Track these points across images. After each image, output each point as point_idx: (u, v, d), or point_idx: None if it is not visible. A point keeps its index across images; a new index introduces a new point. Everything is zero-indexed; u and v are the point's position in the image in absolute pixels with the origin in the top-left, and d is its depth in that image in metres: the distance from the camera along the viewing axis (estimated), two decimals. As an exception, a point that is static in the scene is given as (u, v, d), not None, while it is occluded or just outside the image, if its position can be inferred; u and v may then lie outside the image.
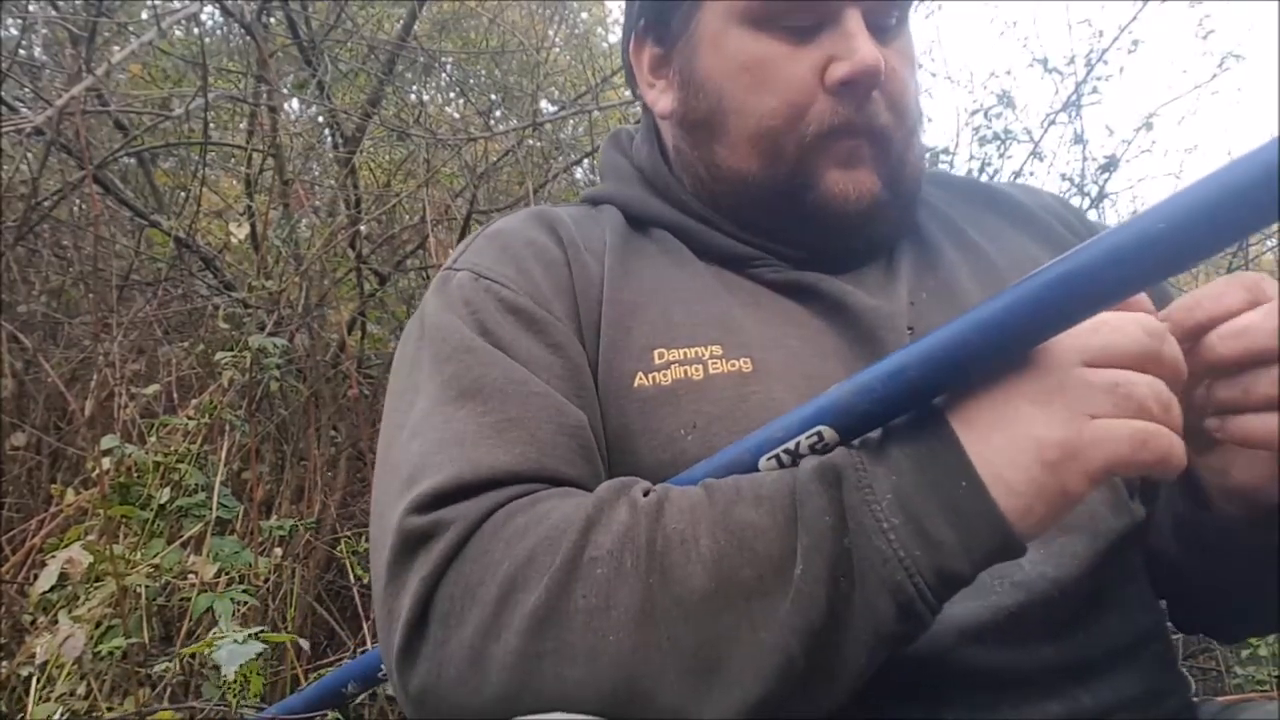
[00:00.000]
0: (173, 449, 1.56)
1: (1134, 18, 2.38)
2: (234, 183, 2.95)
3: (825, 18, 0.63)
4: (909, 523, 0.43)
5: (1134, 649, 0.58)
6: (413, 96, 3.27)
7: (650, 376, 0.60)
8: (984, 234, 0.73)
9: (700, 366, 0.60)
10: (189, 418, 1.64)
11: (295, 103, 2.87)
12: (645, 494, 0.50)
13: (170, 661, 1.27)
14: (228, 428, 1.68)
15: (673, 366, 0.60)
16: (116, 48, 2.31)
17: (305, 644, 1.42)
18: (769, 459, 0.50)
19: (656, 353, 0.61)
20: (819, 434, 0.48)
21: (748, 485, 0.48)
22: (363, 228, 2.47)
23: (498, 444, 0.53)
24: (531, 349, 0.59)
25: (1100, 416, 0.42)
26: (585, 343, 0.62)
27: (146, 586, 1.35)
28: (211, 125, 2.46)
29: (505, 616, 0.45)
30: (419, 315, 0.66)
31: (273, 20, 2.50)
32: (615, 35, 4.26)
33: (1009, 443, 0.43)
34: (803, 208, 0.65)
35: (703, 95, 0.68)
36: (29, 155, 2.12)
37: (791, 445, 0.49)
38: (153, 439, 1.61)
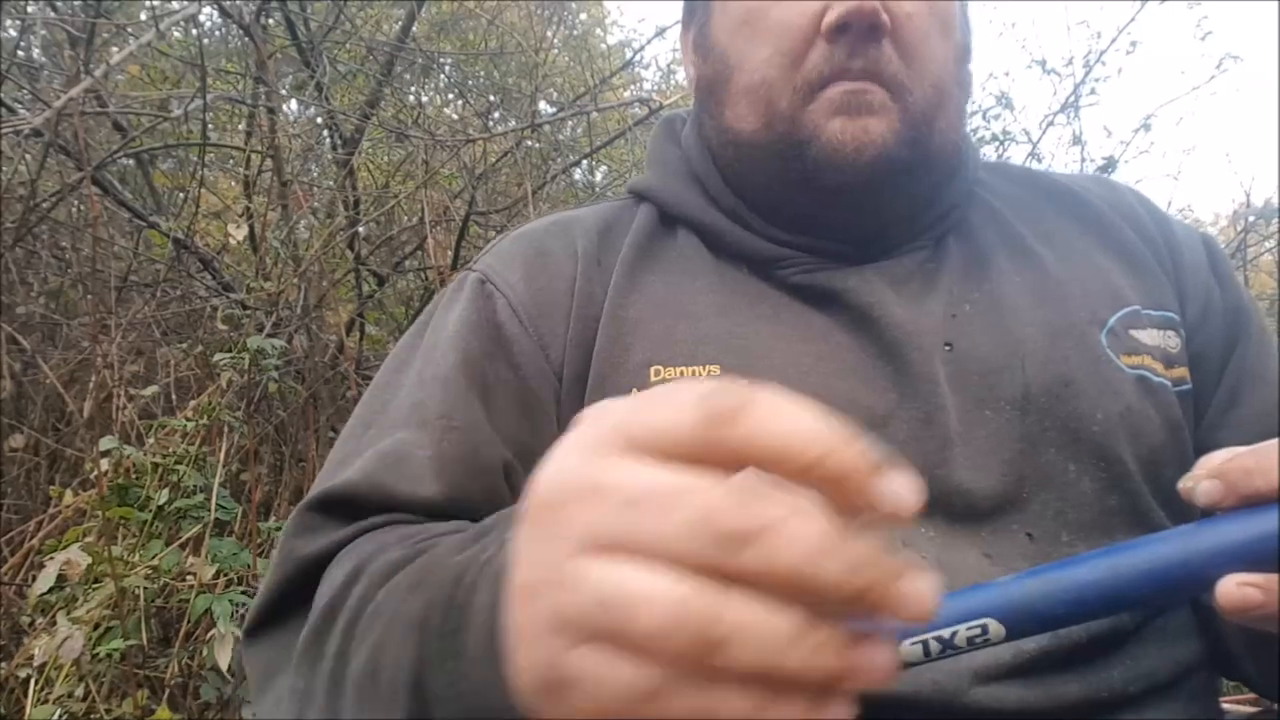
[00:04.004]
0: (171, 450, 1.56)
1: (1132, 19, 2.39)
2: (232, 184, 2.94)
3: None
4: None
5: (1172, 682, 0.55)
6: (411, 98, 3.27)
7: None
8: (1044, 239, 0.66)
9: None
10: (187, 419, 1.64)
11: (294, 104, 2.87)
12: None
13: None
14: (226, 429, 1.68)
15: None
16: (115, 49, 2.32)
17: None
18: (914, 643, 0.44)
19: (654, 370, 0.58)
20: (983, 627, 0.43)
21: (424, 567, 0.42)
22: (361, 229, 2.47)
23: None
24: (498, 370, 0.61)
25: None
26: (569, 360, 0.61)
27: (145, 588, 1.35)
28: (210, 126, 2.46)
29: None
30: (433, 305, 0.68)
31: (271, 21, 2.50)
32: (614, 37, 4.27)
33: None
34: (804, 168, 0.59)
35: (712, 57, 0.66)
36: (27, 156, 2.12)
37: (946, 634, 0.43)
38: (151, 440, 1.61)
